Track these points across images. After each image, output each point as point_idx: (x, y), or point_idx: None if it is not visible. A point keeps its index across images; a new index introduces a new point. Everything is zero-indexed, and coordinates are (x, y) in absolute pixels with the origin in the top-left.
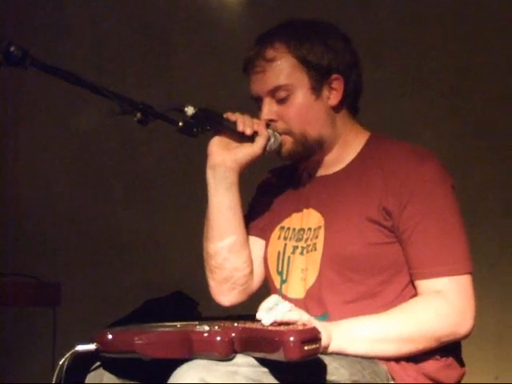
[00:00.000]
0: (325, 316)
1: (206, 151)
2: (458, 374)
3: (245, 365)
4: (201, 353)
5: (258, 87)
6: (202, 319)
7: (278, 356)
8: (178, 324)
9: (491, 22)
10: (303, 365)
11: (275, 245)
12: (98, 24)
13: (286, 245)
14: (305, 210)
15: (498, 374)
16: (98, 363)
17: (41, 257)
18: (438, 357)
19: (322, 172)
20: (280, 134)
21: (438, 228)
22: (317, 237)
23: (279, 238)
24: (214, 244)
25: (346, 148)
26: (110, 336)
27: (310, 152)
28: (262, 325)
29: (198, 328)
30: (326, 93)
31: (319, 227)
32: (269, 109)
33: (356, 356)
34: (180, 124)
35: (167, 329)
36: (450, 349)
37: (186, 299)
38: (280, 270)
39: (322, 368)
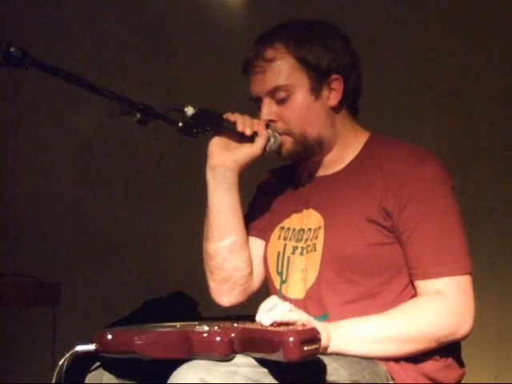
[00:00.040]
0: (324, 316)
1: (205, 151)
2: (457, 374)
3: (244, 365)
4: (200, 353)
5: (257, 88)
6: (202, 319)
7: (277, 356)
8: (178, 324)
9: (491, 22)
10: (303, 365)
11: (275, 245)
12: (97, 24)
13: (285, 245)
14: (305, 211)
15: (498, 374)
16: (97, 363)
17: (41, 257)
18: (437, 357)
19: (321, 172)
20: (280, 135)
21: (437, 228)
22: (317, 237)
23: (279, 238)
24: (213, 244)
25: (346, 148)
26: (109, 336)
27: (309, 152)
28: (261, 325)
29: (198, 328)
30: (325, 93)
31: (319, 227)
32: (268, 109)
33: (355, 356)
34: (180, 124)
35: (167, 329)
36: (449, 349)
37: (186, 299)
38: (280, 270)
39: (321, 368)
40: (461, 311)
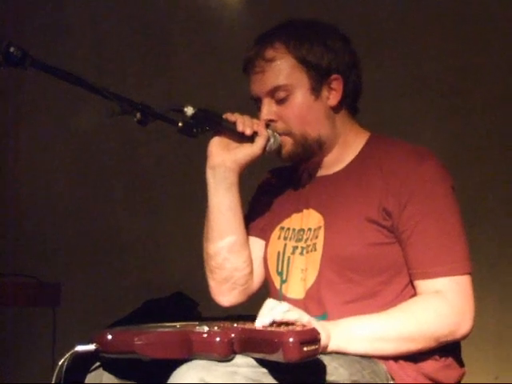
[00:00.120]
0: (324, 316)
1: (205, 152)
2: (457, 374)
3: (244, 365)
4: (200, 353)
5: (257, 87)
6: (202, 320)
7: (277, 357)
8: (178, 324)
9: (491, 22)
10: (302, 365)
11: (275, 245)
12: (98, 24)
13: (285, 245)
14: (305, 211)
15: (498, 374)
16: (97, 363)
17: (41, 257)
18: (437, 357)
19: (321, 172)
20: (280, 135)
21: (437, 228)
22: (317, 237)
23: (279, 238)
24: (213, 244)
25: (346, 148)
26: (109, 336)
27: (310, 153)
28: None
29: (198, 328)
30: (325, 93)
31: (319, 227)
32: (268, 109)
33: (355, 355)
34: (180, 124)
35: (167, 329)
36: (449, 349)
37: (186, 300)
38: (280, 270)
39: (321, 368)
40: (460, 311)
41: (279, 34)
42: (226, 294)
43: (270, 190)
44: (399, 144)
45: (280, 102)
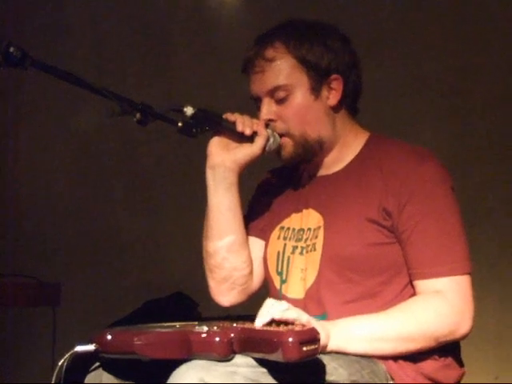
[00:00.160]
0: (324, 316)
1: (205, 151)
2: (457, 374)
3: (244, 365)
4: (200, 353)
5: (257, 87)
6: (202, 320)
7: (276, 356)
8: (177, 324)
9: (491, 22)
10: (302, 365)
11: (275, 245)
12: (98, 24)
13: (285, 245)
14: (304, 211)
15: (498, 374)
16: (97, 364)
17: (41, 257)
18: (436, 357)
19: (321, 172)
20: (280, 136)
21: (437, 228)
22: (316, 237)
23: (279, 238)
24: (213, 243)
25: (346, 148)
26: (109, 336)
27: (310, 154)
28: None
29: (197, 328)
30: (325, 93)
31: (319, 227)
32: (268, 109)
33: (355, 355)
34: (179, 124)
35: (166, 329)
36: (449, 349)
37: (186, 300)
38: (280, 270)
39: (320, 368)
40: (460, 311)
41: (279, 33)
42: (225, 294)
43: (269, 189)
44: (399, 144)
45: (280, 101)
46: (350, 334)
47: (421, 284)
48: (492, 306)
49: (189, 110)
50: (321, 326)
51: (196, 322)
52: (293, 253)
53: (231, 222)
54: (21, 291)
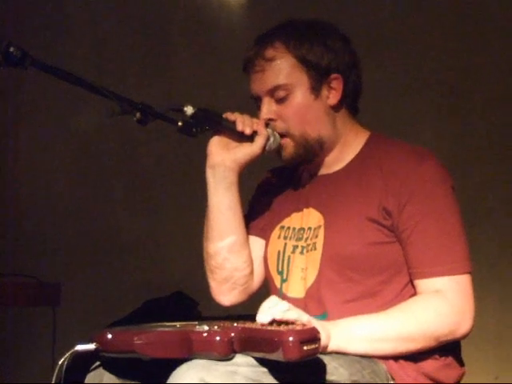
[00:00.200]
0: (324, 315)
1: (205, 151)
2: (457, 373)
3: (244, 364)
4: (200, 353)
5: (257, 87)
6: (202, 319)
7: (277, 356)
8: (178, 324)
9: (491, 22)
10: (302, 365)
11: (275, 244)
12: (98, 24)
13: (286, 244)
14: (305, 210)
15: (498, 374)
16: (97, 363)
17: (41, 257)
18: (437, 356)
19: (322, 171)
20: (280, 136)
21: (437, 228)
22: (317, 236)
23: (279, 237)
24: (213, 244)
25: (346, 147)
26: (109, 336)
27: (311, 154)
28: (261, 325)
29: (198, 328)
30: (325, 92)
31: (319, 227)
32: (268, 108)
33: (355, 355)
34: (179, 124)
35: (167, 329)
36: (449, 348)
37: (186, 299)
38: (280, 269)
39: (321, 368)
40: (460, 310)
41: (279, 33)
42: (226, 294)
43: (269, 189)
44: (399, 144)
45: (280, 101)
46: (351, 334)
47: (421, 283)
48: (492, 306)
49: (189, 110)
50: (321, 326)
51: (196, 322)
52: (293, 252)
53: (231, 221)
54: (21, 291)
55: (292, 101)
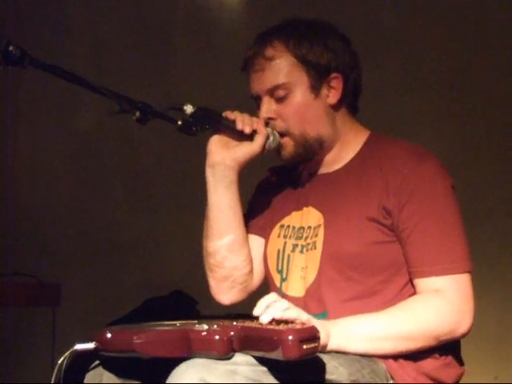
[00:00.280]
0: (324, 314)
1: (205, 150)
2: (457, 372)
3: (244, 363)
4: (200, 351)
5: (257, 86)
6: (202, 318)
7: (276, 355)
8: (177, 323)
9: (491, 22)
10: (302, 364)
11: (275, 243)
12: (98, 24)
13: (285, 243)
14: (304, 209)
15: (498, 374)
16: (96, 362)
17: (41, 257)
18: (436, 355)
19: (321, 170)
20: (280, 136)
21: (437, 227)
22: (316, 235)
23: (279, 236)
24: (213, 242)
25: (346, 147)
26: (109, 335)
27: (311, 153)
28: (260, 323)
29: (197, 327)
30: (325, 91)
31: (319, 225)
32: (268, 107)
33: (355, 354)
34: (179, 123)
35: (166, 328)
36: (449, 347)
37: (186, 298)
38: (280, 268)
39: (320, 367)
40: (460, 309)
41: (279, 32)
42: (225, 293)
43: (269, 188)
44: (399, 143)
45: (279, 100)
46: (351, 333)
47: (420, 282)
48: (492, 306)
49: (188, 109)
50: (321, 325)
51: (196, 321)
52: (293, 251)
53: (231, 220)
54: (21, 291)
55: (292, 100)
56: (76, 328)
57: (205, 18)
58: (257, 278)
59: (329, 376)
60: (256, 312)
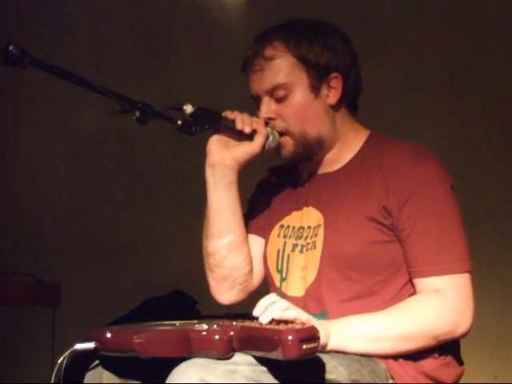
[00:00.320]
0: (323, 314)
1: (205, 150)
2: (456, 372)
3: (244, 363)
4: (199, 351)
5: (256, 86)
6: (201, 318)
7: (276, 355)
8: (177, 323)
9: (491, 22)
10: (302, 363)
11: (275, 243)
12: (98, 24)
13: (285, 243)
14: (304, 208)
15: (497, 374)
16: (96, 362)
17: (40, 257)
18: (436, 355)
19: (321, 170)
20: (280, 136)
21: (437, 227)
22: (316, 235)
23: (279, 236)
24: (213, 242)
25: (346, 146)
26: (108, 334)
27: (311, 152)
28: (260, 323)
29: (197, 327)
30: (324, 91)
31: (319, 225)
32: (267, 107)
33: (355, 354)
34: (179, 123)
35: (166, 327)
36: (448, 347)
37: (185, 298)
38: (280, 268)
39: (320, 367)
40: (460, 309)
41: (278, 32)
42: (225, 293)
43: (269, 188)
44: (399, 143)
45: (279, 100)
46: (350, 333)
47: (420, 282)
48: (492, 306)
49: (188, 108)
50: (321, 325)
51: (196, 321)
52: (293, 251)
53: (231, 220)
54: (20, 290)
55: (292, 100)
56: (76, 328)
57: (205, 17)
58: (256, 277)
59: (328, 376)
60: (256, 312)
